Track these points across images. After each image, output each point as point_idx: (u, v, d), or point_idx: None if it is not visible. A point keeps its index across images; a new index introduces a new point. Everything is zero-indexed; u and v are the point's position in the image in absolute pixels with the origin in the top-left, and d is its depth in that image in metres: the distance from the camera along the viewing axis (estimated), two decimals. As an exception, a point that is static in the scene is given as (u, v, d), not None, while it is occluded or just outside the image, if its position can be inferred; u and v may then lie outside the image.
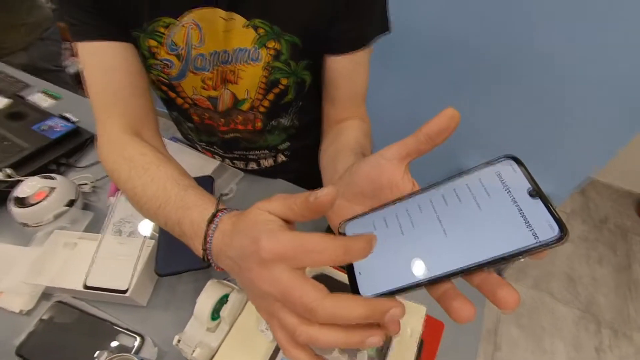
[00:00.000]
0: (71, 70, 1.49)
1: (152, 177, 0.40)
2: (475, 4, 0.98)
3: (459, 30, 1.06)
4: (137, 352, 0.48)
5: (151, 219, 0.41)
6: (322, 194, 0.22)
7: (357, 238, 0.21)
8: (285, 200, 0.25)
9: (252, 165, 0.71)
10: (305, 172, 0.67)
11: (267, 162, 0.71)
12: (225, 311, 0.45)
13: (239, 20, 0.45)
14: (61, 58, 1.46)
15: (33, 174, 0.65)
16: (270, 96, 0.55)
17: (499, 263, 0.19)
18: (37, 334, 0.50)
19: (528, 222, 0.19)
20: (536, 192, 0.19)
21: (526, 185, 0.20)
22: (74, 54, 1.46)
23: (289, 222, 0.25)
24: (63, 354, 0.49)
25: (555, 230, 0.17)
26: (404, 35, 1.10)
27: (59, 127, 0.77)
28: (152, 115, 0.52)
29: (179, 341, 0.46)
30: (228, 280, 0.49)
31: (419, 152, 0.25)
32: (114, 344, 0.49)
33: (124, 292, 0.49)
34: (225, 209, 0.33)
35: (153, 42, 0.47)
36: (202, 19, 0.45)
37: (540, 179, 0.20)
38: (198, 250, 0.32)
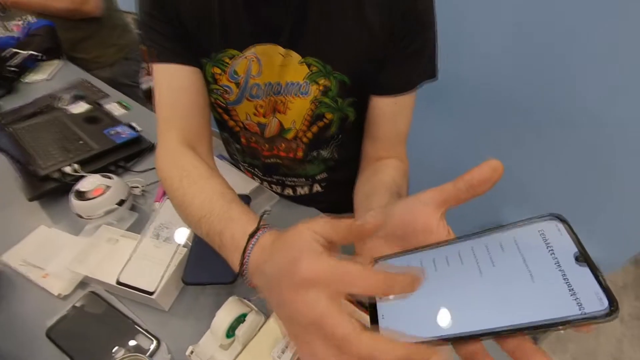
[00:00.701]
0: (144, 86, 1.66)
1: (201, 188, 0.42)
2: (524, 57, 0.97)
3: (506, 80, 1.04)
4: (152, 355, 0.48)
5: (194, 228, 0.43)
6: (370, 219, 0.22)
7: (404, 274, 0.20)
8: (331, 221, 0.24)
9: (288, 191, 0.72)
10: (338, 204, 0.67)
11: (303, 190, 0.72)
12: (240, 330, 0.45)
13: (295, 57, 0.48)
14: (138, 76, 1.64)
15: (95, 171, 0.72)
16: (314, 128, 0.57)
17: (537, 330, 0.17)
18: (67, 319, 0.52)
19: (573, 290, 0.17)
20: (583, 258, 0.18)
21: (572, 248, 0.18)
22: (149, 73, 1.63)
23: (330, 246, 0.24)
24: (85, 343, 0.50)
25: (603, 303, 0.15)
26: (450, 82, 1.10)
27: (125, 133, 0.85)
28: (207, 134, 0.55)
29: (192, 352, 0.46)
30: (249, 300, 0.49)
31: (457, 200, 0.24)
32: (131, 342, 0.50)
33: (151, 293, 0.50)
34: (267, 225, 0.33)
35: (217, 70, 0.51)
36: (263, 54, 0.49)
37: (588, 244, 0.18)
38: (235, 264, 0.32)
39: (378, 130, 0.55)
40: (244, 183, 0.72)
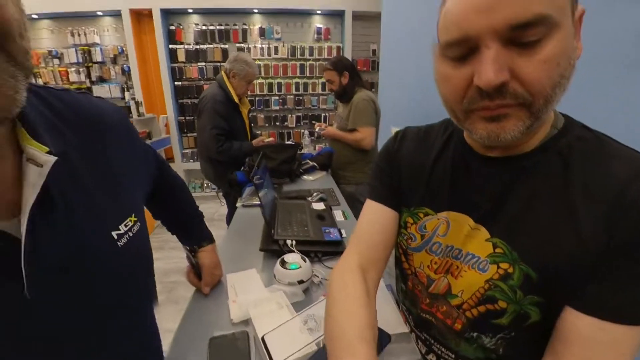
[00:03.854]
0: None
1: (349, 311, 0.48)
2: None
3: None
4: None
5: (326, 336, 0.48)
6: None
7: None
8: None
9: (431, 357, 0.64)
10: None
11: (449, 367, 0.62)
12: None
13: (483, 233, 0.49)
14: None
15: (301, 251, 0.93)
16: (482, 308, 0.51)
17: None
18: (225, 338, 0.66)
19: None
20: None
21: None
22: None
23: None
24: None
25: None
26: None
27: (333, 234, 1.06)
28: (382, 266, 0.63)
29: None
30: None
31: None
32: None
33: (275, 364, 0.57)
34: None
35: (411, 220, 0.60)
36: (454, 219, 0.54)
37: None
38: None
39: (565, 352, 0.43)
40: (395, 322, 0.71)
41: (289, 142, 2.04)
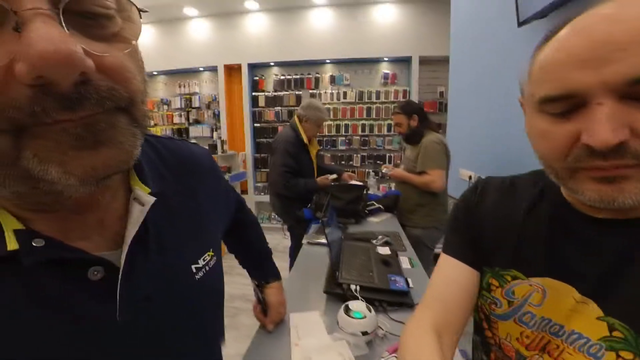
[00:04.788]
0: (437, 251, 1.87)
1: None
2: None
3: None
4: None
5: None
6: None
7: None
8: None
9: None
10: None
11: None
12: None
13: (593, 309, 0.41)
14: (438, 242, 1.87)
15: (365, 299, 0.89)
16: (594, 406, 0.41)
17: None
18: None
19: None
20: None
21: None
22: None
23: None
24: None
25: None
26: None
27: (400, 283, 0.99)
28: (459, 330, 0.55)
29: None
30: None
31: None
32: None
33: None
34: None
35: (495, 282, 0.53)
36: (552, 288, 0.45)
37: None
38: None
39: None
40: (473, 398, 0.61)
41: (356, 183, 2.03)
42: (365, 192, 1.91)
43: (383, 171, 1.98)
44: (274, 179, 2.05)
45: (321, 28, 3.62)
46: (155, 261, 0.39)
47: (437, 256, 1.96)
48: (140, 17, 0.30)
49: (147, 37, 3.95)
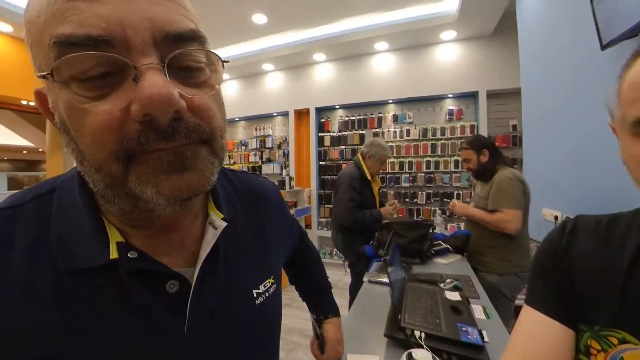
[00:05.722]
0: (518, 302, 1.60)
1: None
2: None
3: None
4: None
5: None
6: None
7: None
8: None
9: None
10: None
11: None
12: None
13: None
14: (519, 292, 1.61)
15: (431, 349, 0.79)
16: None
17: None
18: None
19: None
20: None
21: None
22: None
23: None
24: None
25: None
26: None
27: (472, 336, 0.87)
28: None
29: None
30: None
31: None
32: None
33: None
34: None
35: (596, 345, 0.42)
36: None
37: None
38: None
39: None
40: None
41: (421, 220, 1.91)
42: (431, 230, 1.78)
43: (449, 207, 1.83)
44: (338, 213, 2.05)
45: (383, 71, 3.73)
46: (221, 281, 0.41)
47: (517, 309, 1.70)
48: (223, 67, 0.35)
49: (231, 89, 4.55)
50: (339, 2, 2.87)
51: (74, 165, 0.34)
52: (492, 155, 1.68)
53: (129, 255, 0.33)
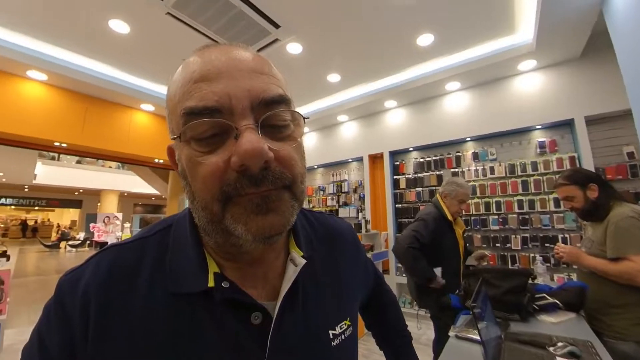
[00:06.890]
0: None
1: None
2: None
3: None
4: None
5: None
6: None
7: None
8: None
9: None
10: None
11: None
12: None
13: None
14: None
15: None
16: None
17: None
18: None
19: None
20: None
21: None
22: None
23: None
24: None
25: None
26: None
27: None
28: None
29: None
30: None
31: None
32: None
33: None
34: None
35: None
36: None
37: None
38: None
39: None
40: None
41: (518, 268, 1.62)
42: (530, 280, 1.49)
43: (555, 253, 1.51)
44: (397, 242, 1.89)
45: (457, 110, 3.58)
46: (300, 317, 0.43)
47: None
48: (304, 122, 0.41)
49: (311, 140, 4.93)
50: (406, 51, 2.98)
51: (186, 206, 0.42)
52: (603, 189, 1.39)
53: (222, 284, 0.38)
